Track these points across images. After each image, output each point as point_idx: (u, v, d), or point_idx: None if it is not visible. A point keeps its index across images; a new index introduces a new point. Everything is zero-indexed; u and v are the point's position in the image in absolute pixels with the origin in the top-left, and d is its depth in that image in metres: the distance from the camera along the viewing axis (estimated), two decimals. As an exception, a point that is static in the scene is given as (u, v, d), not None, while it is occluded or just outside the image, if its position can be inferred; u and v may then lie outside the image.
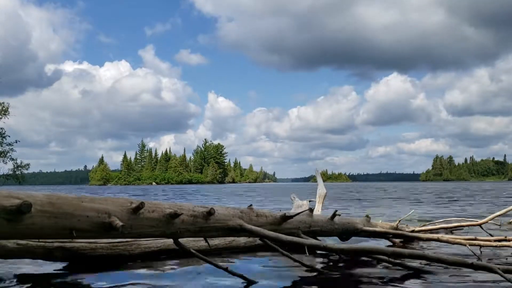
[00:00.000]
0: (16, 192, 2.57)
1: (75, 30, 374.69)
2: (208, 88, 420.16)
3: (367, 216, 5.67)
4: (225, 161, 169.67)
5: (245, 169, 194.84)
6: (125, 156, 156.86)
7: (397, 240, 5.60)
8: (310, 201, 6.73)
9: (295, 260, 3.89)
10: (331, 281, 3.70)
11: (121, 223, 2.89)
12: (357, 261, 4.53)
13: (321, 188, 6.98)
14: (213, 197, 25.36)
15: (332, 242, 4.64)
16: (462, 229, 6.79)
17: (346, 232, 5.13)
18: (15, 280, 3.72)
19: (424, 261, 4.08)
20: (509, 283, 3.26)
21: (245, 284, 3.54)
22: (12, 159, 42.40)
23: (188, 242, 4.41)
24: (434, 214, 10.47)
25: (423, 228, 6.32)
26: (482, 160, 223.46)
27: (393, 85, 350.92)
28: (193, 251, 3.64)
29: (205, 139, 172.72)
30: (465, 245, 4.95)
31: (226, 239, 4.92)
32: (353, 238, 5.37)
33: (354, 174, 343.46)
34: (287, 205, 12.25)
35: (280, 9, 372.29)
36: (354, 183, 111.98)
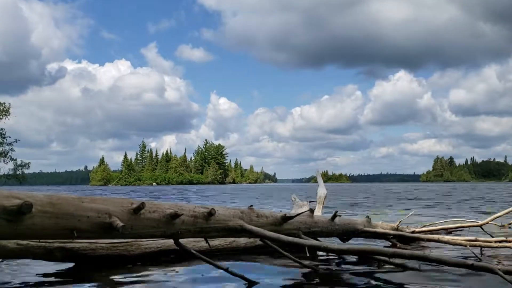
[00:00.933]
0: (17, 192, 2.57)
1: (77, 26, 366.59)
2: (210, 86, 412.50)
3: (367, 217, 5.66)
4: (226, 161, 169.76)
5: (245, 170, 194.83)
6: (125, 156, 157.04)
7: (398, 241, 5.59)
8: (310, 201, 6.73)
9: (295, 261, 3.89)
10: (332, 282, 3.69)
11: (121, 224, 2.89)
12: (358, 262, 4.53)
13: (321, 189, 6.97)
14: (214, 197, 25.36)
15: (332, 243, 4.64)
16: (463, 230, 6.79)
17: (347, 233, 5.12)
18: (15, 280, 3.72)
19: (424, 262, 4.07)
20: (510, 284, 3.25)
21: (245, 284, 3.54)
22: (13, 159, 42.46)
23: (189, 242, 4.40)
24: (433, 215, 10.47)
25: (424, 229, 6.31)
26: (483, 161, 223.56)
27: (399, 84, 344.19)
28: (194, 252, 3.64)
29: (206, 140, 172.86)
30: (465, 246, 4.95)
31: (227, 239, 4.92)
32: (353, 238, 5.37)
33: (354, 175, 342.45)
34: (287, 205, 12.25)
35: (287, 4, 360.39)
36: (348, 184, 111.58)
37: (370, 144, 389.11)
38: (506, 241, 5.11)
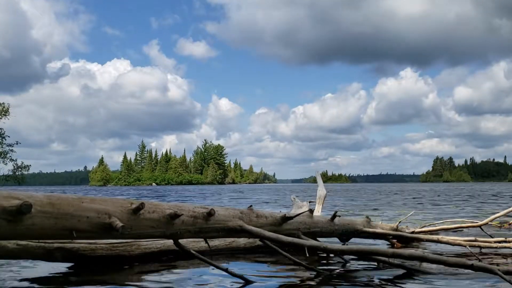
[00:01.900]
0: (16, 193, 2.57)
1: (79, 21, 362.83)
2: (212, 85, 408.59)
3: (367, 217, 5.67)
4: (225, 162, 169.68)
5: (245, 170, 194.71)
6: (125, 156, 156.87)
7: (397, 241, 5.60)
8: (310, 202, 6.73)
9: (295, 261, 3.89)
10: (332, 282, 3.69)
11: (121, 224, 2.89)
12: (358, 262, 4.53)
13: (321, 189, 6.98)
14: (213, 197, 25.35)
15: (332, 243, 4.64)
16: (462, 230, 6.80)
17: (346, 233, 5.12)
18: (15, 280, 3.72)
19: (424, 262, 4.07)
20: (509, 285, 3.26)
21: (245, 285, 3.54)
22: (12, 160, 42.44)
23: (188, 243, 4.40)
24: (433, 215, 10.47)
25: (423, 229, 6.31)
26: (482, 161, 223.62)
27: (404, 83, 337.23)
28: (193, 252, 3.64)
29: (205, 140, 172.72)
30: (465, 246, 4.95)
31: (226, 240, 4.91)
32: (353, 239, 5.37)
33: (354, 175, 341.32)
34: (287, 206, 12.25)
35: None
36: (345, 185, 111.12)
37: (373, 144, 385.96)
38: (505, 241, 5.12)
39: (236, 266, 4.21)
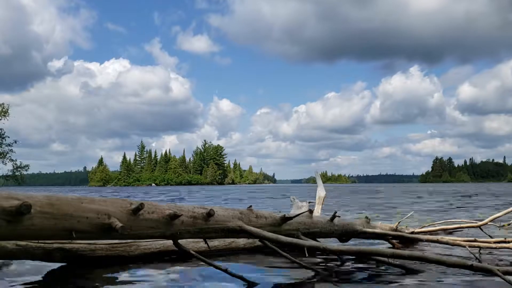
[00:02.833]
0: (16, 193, 2.57)
1: (80, 17, 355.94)
2: (214, 83, 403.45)
3: (366, 217, 5.67)
4: (225, 162, 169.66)
5: (245, 170, 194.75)
6: (124, 157, 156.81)
7: (397, 242, 5.60)
8: (309, 202, 6.74)
9: (294, 262, 3.89)
10: (331, 283, 3.69)
11: (120, 224, 2.89)
12: (357, 262, 4.53)
13: (320, 189, 6.98)
14: (213, 197, 25.35)
15: (331, 243, 4.64)
16: (462, 230, 6.80)
17: (346, 234, 5.12)
18: (14, 281, 3.71)
19: (424, 263, 4.07)
20: (509, 285, 3.26)
21: (245, 285, 3.54)
22: (12, 160, 42.44)
23: (188, 243, 4.41)
24: (433, 215, 10.47)
25: (423, 229, 6.32)
26: (482, 161, 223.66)
27: (409, 82, 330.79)
28: (193, 253, 3.64)
29: (205, 140, 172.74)
30: (464, 246, 4.95)
31: (226, 240, 4.92)
32: (352, 239, 5.37)
33: (353, 175, 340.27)
34: (287, 206, 12.25)
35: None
36: (342, 185, 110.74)
37: (375, 144, 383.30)
38: (505, 242, 5.11)
39: (236, 267, 4.21)
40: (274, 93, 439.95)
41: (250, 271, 4.00)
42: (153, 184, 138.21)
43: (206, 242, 3.84)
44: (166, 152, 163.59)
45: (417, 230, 6.23)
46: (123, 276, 3.90)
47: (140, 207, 3.06)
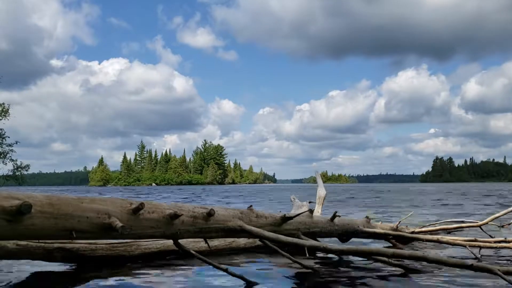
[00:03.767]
0: (16, 193, 2.57)
1: (82, 12, 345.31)
2: (217, 82, 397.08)
3: (367, 217, 5.67)
4: (225, 162, 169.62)
5: (245, 170, 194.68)
6: (124, 156, 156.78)
7: (397, 242, 5.60)
8: (310, 202, 6.73)
9: (295, 261, 3.89)
10: (331, 282, 3.69)
11: (121, 224, 2.89)
12: (357, 262, 4.53)
13: (321, 189, 6.97)
14: (213, 197, 25.35)
15: (332, 243, 4.64)
16: (462, 230, 6.80)
17: (346, 233, 5.12)
18: (14, 281, 3.72)
19: (424, 262, 4.07)
20: (509, 285, 3.26)
21: (245, 285, 3.54)
22: (12, 160, 42.45)
23: (188, 243, 4.40)
24: (432, 216, 10.47)
25: (423, 229, 6.32)
26: (482, 161, 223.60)
27: (415, 80, 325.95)
28: (193, 252, 3.64)
29: (205, 140, 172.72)
30: (465, 246, 4.95)
31: (226, 240, 4.92)
32: (353, 239, 5.37)
33: (354, 175, 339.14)
34: (287, 206, 12.25)
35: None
36: (340, 185, 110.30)
37: (378, 144, 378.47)
38: (505, 241, 5.12)
39: (236, 266, 4.21)
40: (278, 91, 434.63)
41: (250, 271, 4.00)
42: (153, 184, 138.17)
43: (206, 242, 3.83)
44: (166, 151, 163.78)
45: (417, 230, 6.23)
46: (124, 276, 3.90)
47: (140, 206, 3.07)
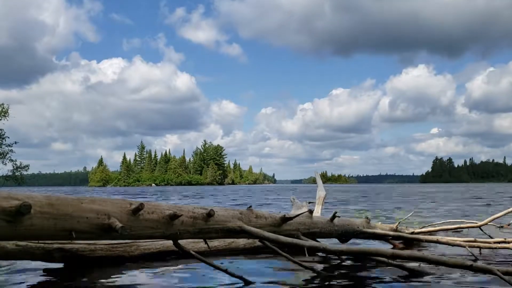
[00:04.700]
0: (16, 193, 2.57)
1: (84, 8, 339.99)
2: (219, 81, 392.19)
3: (366, 217, 5.67)
4: (225, 162, 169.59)
5: (245, 171, 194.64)
6: (124, 157, 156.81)
7: (397, 242, 5.60)
8: (309, 203, 6.73)
9: (294, 262, 3.89)
10: (331, 283, 3.69)
11: (120, 225, 2.88)
12: (357, 262, 4.53)
13: (320, 189, 6.98)
14: (213, 198, 25.34)
15: (331, 243, 4.64)
16: (462, 231, 6.80)
17: (346, 234, 5.12)
18: (14, 281, 3.71)
19: (423, 263, 4.07)
20: (509, 285, 3.26)
21: (244, 285, 3.54)
22: (12, 160, 42.46)
23: (188, 243, 4.40)
24: (432, 216, 10.47)
25: (423, 229, 6.31)
26: (481, 162, 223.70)
27: (420, 79, 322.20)
28: (193, 253, 3.64)
29: (204, 140, 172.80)
30: (464, 246, 4.95)
31: (226, 240, 4.92)
32: (352, 239, 5.37)
33: (353, 176, 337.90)
34: (287, 206, 12.25)
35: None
36: (340, 186, 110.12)
37: (381, 143, 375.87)
38: (505, 242, 5.11)
39: (236, 267, 4.21)
40: (282, 89, 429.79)
41: (250, 271, 4.00)
42: (153, 185, 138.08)
43: (206, 243, 3.83)
44: (166, 152, 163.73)
45: (417, 230, 6.23)
46: (123, 276, 3.90)
47: (140, 207, 3.06)
